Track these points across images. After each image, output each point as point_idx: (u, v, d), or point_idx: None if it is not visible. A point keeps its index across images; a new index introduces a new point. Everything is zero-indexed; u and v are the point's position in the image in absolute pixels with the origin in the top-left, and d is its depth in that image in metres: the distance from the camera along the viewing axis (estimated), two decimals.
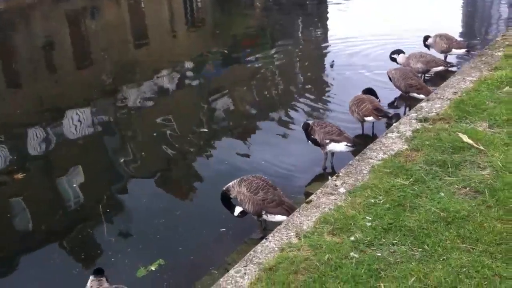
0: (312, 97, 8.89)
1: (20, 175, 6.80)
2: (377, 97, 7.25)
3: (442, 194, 4.47)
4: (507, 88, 6.66)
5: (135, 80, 10.36)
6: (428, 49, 9.64)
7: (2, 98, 10.28)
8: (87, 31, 16.17)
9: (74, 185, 6.58)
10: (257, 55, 11.40)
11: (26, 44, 14.72)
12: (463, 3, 16.77)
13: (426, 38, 9.68)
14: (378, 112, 6.85)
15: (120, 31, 15.78)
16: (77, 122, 8.56)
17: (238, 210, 5.17)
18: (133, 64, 11.89)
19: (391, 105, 8.26)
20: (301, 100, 8.75)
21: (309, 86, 9.55)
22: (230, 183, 5.24)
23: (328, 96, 8.90)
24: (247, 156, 7.06)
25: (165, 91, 10.00)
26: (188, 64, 11.35)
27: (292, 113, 8.31)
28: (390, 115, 7.07)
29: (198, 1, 17.18)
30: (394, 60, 8.93)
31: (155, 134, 7.92)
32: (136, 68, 11.43)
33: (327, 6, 17.56)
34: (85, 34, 15.88)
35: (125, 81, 10.32)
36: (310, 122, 6.48)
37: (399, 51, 8.95)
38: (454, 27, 12.59)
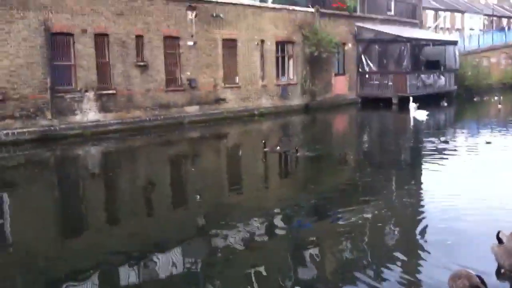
0: (403, 262, 8.49)
1: None
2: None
3: None
4: None
5: (227, 224, 10.61)
6: None
7: (103, 234, 10.86)
8: (186, 174, 17.21)
9: None
10: (346, 212, 11.28)
11: (129, 183, 15.88)
12: None
13: None
14: None
15: (216, 176, 16.65)
16: (170, 261, 8.78)
17: None
18: (226, 208, 12.28)
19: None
20: (389, 264, 8.38)
21: (400, 250, 9.12)
22: None
23: (421, 265, 8.33)
24: None
25: (255, 238, 10.06)
26: (279, 215, 11.48)
27: (382, 275, 7.95)
28: None
29: (297, 155, 17.92)
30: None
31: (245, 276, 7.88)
32: (228, 212, 11.76)
33: (422, 166, 17.45)
34: (184, 177, 16.88)
35: (217, 224, 10.62)
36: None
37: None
38: None
